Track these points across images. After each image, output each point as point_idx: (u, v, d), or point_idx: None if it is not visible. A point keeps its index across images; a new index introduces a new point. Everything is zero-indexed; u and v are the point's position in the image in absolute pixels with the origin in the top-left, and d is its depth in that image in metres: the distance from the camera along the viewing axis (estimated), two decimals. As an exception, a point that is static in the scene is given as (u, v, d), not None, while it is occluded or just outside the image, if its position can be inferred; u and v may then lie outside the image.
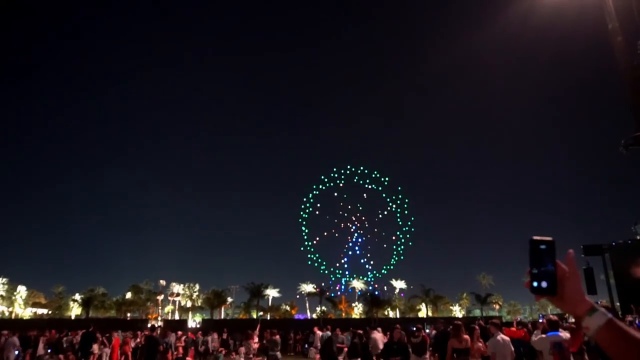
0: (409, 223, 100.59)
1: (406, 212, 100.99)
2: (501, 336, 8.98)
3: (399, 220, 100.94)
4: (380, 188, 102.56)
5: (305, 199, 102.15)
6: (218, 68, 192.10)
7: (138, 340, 25.34)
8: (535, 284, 1.30)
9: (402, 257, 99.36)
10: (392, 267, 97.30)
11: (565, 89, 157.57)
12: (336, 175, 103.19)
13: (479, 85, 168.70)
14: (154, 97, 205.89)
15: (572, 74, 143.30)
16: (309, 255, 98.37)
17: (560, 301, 1.31)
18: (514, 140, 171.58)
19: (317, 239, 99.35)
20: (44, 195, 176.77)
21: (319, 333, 21.24)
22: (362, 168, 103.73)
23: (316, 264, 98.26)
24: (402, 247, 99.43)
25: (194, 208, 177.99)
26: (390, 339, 12.85)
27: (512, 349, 8.82)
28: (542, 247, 1.32)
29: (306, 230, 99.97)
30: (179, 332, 27.49)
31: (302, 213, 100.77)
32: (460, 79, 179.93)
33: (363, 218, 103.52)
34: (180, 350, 23.37)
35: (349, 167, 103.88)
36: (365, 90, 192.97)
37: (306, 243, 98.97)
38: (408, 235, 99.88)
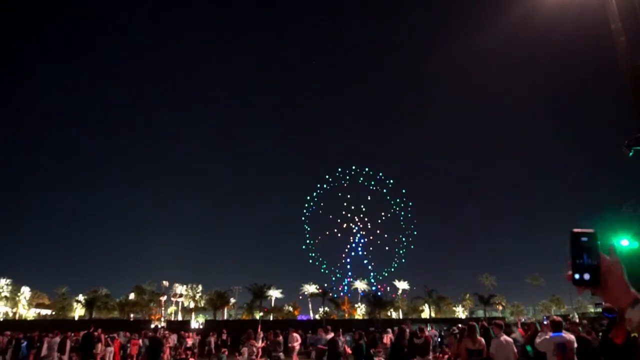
0: (412, 226, 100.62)
1: (409, 215, 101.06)
2: (504, 337, 9.00)
3: (402, 223, 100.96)
4: (384, 190, 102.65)
5: (308, 198, 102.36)
6: (218, 68, 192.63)
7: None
8: (577, 276, 1.28)
9: (403, 260, 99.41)
10: (392, 270, 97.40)
11: (566, 89, 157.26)
12: (341, 175, 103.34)
13: (479, 85, 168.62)
14: (154, 97, 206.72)
15: (573, 74, 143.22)
16: (310, 254, 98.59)
17: (603, 293, 1.29)
18: (514, 141, 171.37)
19: (319, 237, 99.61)
20: (45, 195, 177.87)
21: (296, 335, 22.04)
22: (367, 169, 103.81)
23: (317, 263, 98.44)
24: (404, 250, 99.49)
25: (194, 208, 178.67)
26: (402, 339, 12.80)
27: (515, 350, 8.82)
28: (584, 239, 1.31)
29: (308, 229, 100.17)
30: (167, 332, 27.59)
31: (305, 211, 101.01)
32: (460, 79, 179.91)
33: (366, 219, 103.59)
34: (168, 352, 23.30)
35: (354, 167, 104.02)
36: (365, 90, 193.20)
37: (308, 242, 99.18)
38: (410, 239, 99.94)
